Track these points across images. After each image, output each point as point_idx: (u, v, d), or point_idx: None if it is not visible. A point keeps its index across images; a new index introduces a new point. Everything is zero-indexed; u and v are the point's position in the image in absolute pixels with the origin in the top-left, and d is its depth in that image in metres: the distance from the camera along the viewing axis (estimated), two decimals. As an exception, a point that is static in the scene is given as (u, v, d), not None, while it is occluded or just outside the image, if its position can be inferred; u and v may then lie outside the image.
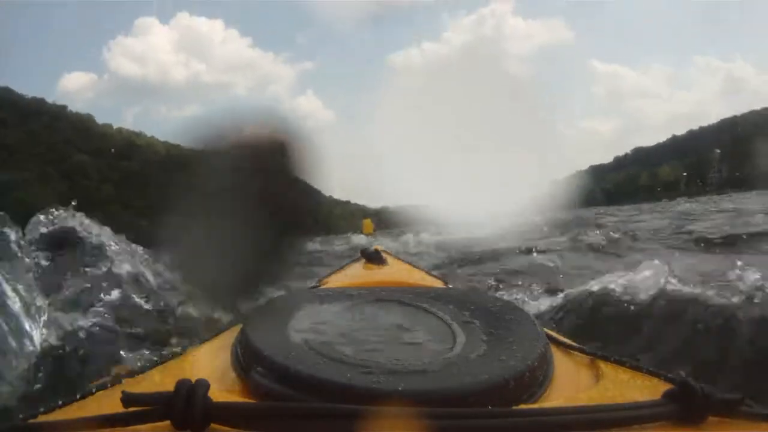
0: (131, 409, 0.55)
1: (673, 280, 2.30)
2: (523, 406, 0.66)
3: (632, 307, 2.27)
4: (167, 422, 0.54)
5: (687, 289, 2.18)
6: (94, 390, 0.73)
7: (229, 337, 0.92)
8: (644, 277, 2.39)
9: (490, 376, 0.68)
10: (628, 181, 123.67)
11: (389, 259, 2.16)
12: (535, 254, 5.51)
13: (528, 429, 0.56)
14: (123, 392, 0.56)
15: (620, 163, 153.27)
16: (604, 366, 0.83)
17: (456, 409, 0.57)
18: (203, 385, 0.56)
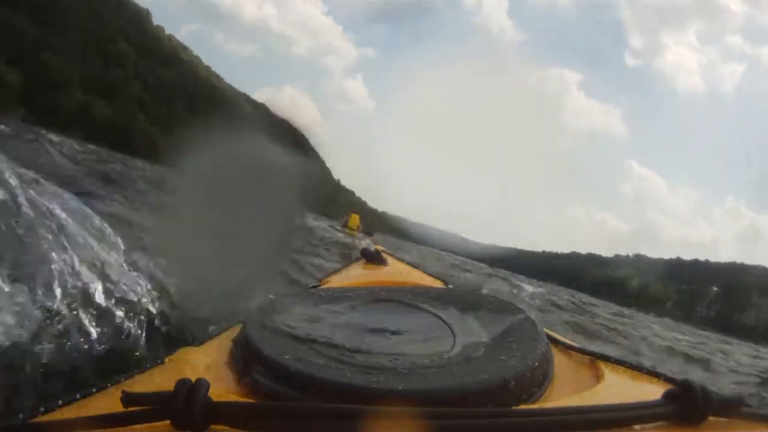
0: (131, 409, 0.55)
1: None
2: (523, 406, 0.66)
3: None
4: (167, 422, 0.54)
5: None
6: (94, 390, 0.73)
7: (229, 337, 0.92)
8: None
9: (490, 376, 0.68)
10: (622, 282, 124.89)
11: (389, 259, 2.16)
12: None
13: (528, 429, 0.56)
14: (123, 392, 0.56)
15: (619, 261, 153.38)
16: (604, 366, 0.83)
17: (456, 409, 0.57)
18: (203, 384, 0.56)
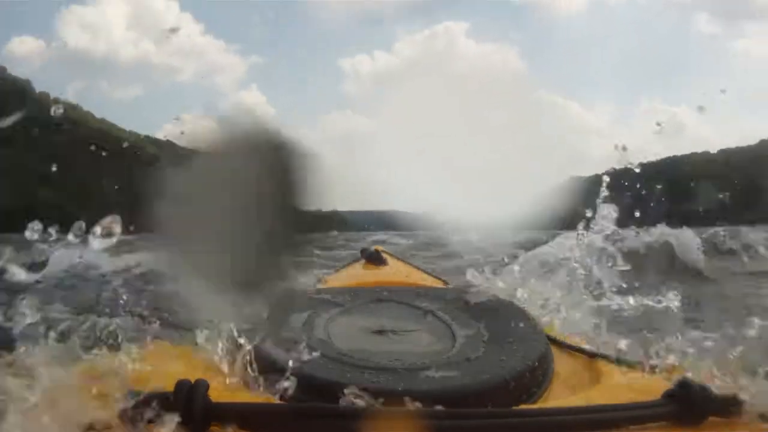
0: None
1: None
2: (523, 406, 0.66)
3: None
4: None
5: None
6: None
7: (229, 338, 0.92)
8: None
9: (490, 376, 0.68)
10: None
11: (389, 259, 2.16)
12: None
13: (528, 429, 0.55)
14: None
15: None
16: (604, 366, 0.83)
17: (456, 409, 0.57)
18: (203, 385, 0.56)
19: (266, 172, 0.80)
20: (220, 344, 0.94)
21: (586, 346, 0.94)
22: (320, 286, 1.70)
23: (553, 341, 0.93)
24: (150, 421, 0.55)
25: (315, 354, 0.76)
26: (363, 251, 2.21)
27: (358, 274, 1.94)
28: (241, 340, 0.83)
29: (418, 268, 2.13)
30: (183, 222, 0.77)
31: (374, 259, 2.08)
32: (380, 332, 0.89)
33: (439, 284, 1.75)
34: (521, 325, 0.88)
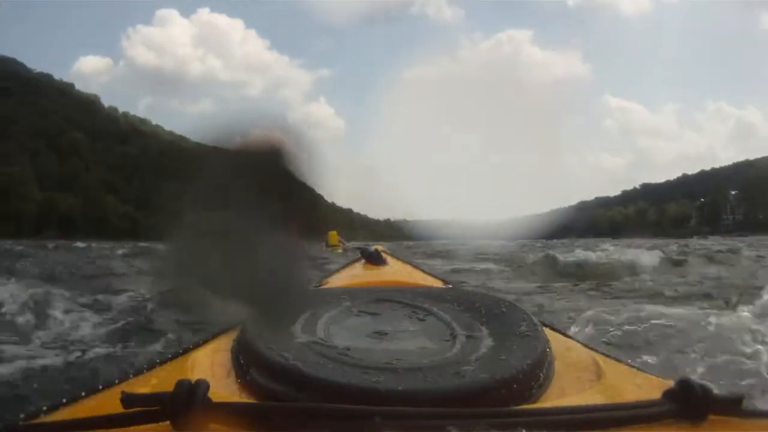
0: (131, 409, 0.55)
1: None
2: (523, 406, 0.66)
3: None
4: (167, 422, 0.54)
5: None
6: (94, 390, 0.73)
7: (228, 337, 0.92)
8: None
9: (491, 376, 0.68)
10: (636, 215, 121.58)
11: (389, 259, 2.16)
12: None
13: (528, 429, 0.55)
14: (123, 392, 0.56)
15: (627, 197, 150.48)
16: (604, 365, 0.83)
17: (456, 409, 0.57)
18: (203, 385, 0.56)
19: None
20: (220, 344, 0.94)
21: (587, 346, 0.94)
22: (320, 285, 1.71)
23: (554, 341, 0.93)
24: (150, 422, 0.55)
25: (315, 354, 0.76)
26: (363, 251, 2.21)
27: (358, 274, 1.95)
28: (241, 341, 0.83)
29: (418, 268, 2.14)
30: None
31: (374, 259, 2.08)
32: (380, 332, 0.89)
33: (439, 284, 1.75)
34: (522, 325, 0.89)
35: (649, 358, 1.91)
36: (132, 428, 0.55)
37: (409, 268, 2.12)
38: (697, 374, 1.66)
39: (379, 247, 2.43)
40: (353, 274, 1.96)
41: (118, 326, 3.01)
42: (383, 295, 1.12)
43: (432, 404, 0.60)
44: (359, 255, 2.25)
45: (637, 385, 0.77)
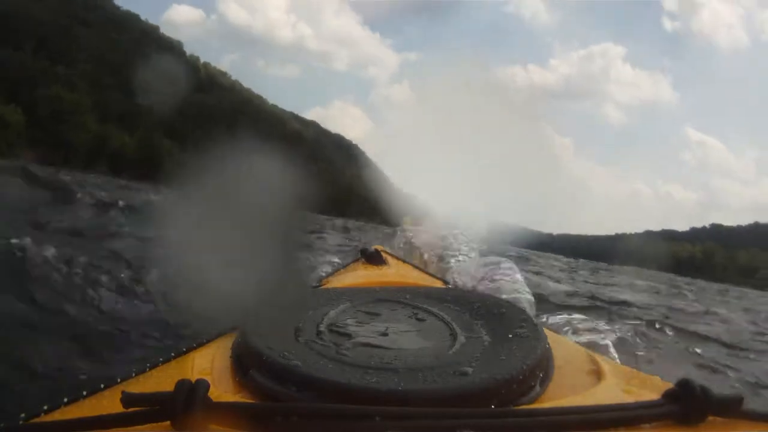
0: (131, 409, 0.55)
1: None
2: (523, 406, 0.66)
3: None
4: (167, 422, 0.54)
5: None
6: (94, 390, 0.73)
7: (229, 337, 0.92)
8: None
9: (490, 376, 0.68)
10: (703, 256, 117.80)
11: (389, 259, 2.16)
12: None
13: (528, 429, 0.56)
14: (123, 392, 0.56)
15: (696, 234, 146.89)
16: (604, 366, 0.83)
17: (456, 409, 0.57)
18: (203, 385, 0.56)
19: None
20: (220, 344, 0.94)
21: (586, 347, 0.94)
22: (320, 285, 1.71)
23: (554, 341, 0.93)
24: (150, 422, 0.55)
25: (315, 354, 0.76)
26: (363, 251, 2.21)
27: (358, 274, 1.95)
28: (241, 341, 0.83)
29: (418, 268, 2.14)
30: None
31: (374, 259, 2.08)
32: (380, 332, 0.89)
33: (439, 284, 1.75)
34: (521, 325, 0.89)
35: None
36: (132, 428, 0.55)
37: (409, 268, 2.11)
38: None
39: (380, 247, 2.43)
40: (353, 274, 1.96)
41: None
42: (383, 295, 1.12)
43: (432, 404, 0.60)
44: (359, 255, 2.25)
45: (637, 385, 0.77)
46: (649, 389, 0.73)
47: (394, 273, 1.89)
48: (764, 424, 0.62)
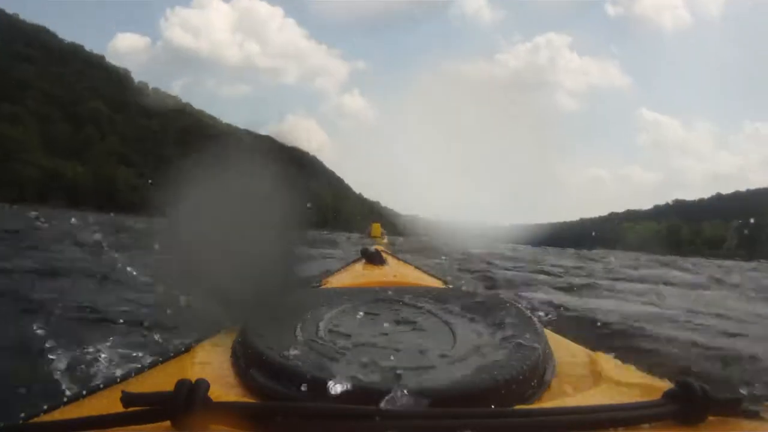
0: (131, 409, 0.55)
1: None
2: (523, 406, 0.66)
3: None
4: (167, 422, 0.54)
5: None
6: (94, 390, 0.73)
7: (229, 337, 0.92)
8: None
9: (490, 376, 0.68)
10: (668, 232, 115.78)
11: (389, 259, 2.17)
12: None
13: (528, 429, 0.55)
14: (123, 392, 0.56)
15: (659, 212, 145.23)
16: (604, 366, 0.83)
17: (456, 409, 0.57)
18: (203, 385, 0.56)
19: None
20: (220, 344, 0.94)
21: (587, 347, 0.94)
22: (321, 285, 1.71)
23: (554, 341, 0.93)
24: (150, 422, 0.55)
25: (315, 354, 0.76)
26: (363, 251, 2.22)
27: (358, 274, 1.95)
28: (241, 341, 0.83)
29: (418, 268, 2.14)
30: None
31: (374, 259, 2.09)
32: (380, 332, 0.89)
33: (438, 284, 1.75)
34: (522, 325, 0.89)
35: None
36: (132, 428, 0.55)
37: (409, 268, 2.12)
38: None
39: (380, 247, 2.44)
40: (353, 274, 1.96)
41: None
42: (383, 295, 1.12)
43: (432, 404, 0.60)
44: (360, 255, 2.25)
45: (637, 385, 0.77)
46: (649, 389, 0.73)
47: (394, 273, 1.89)
48: (764, 424, 0.62)
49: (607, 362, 0.85)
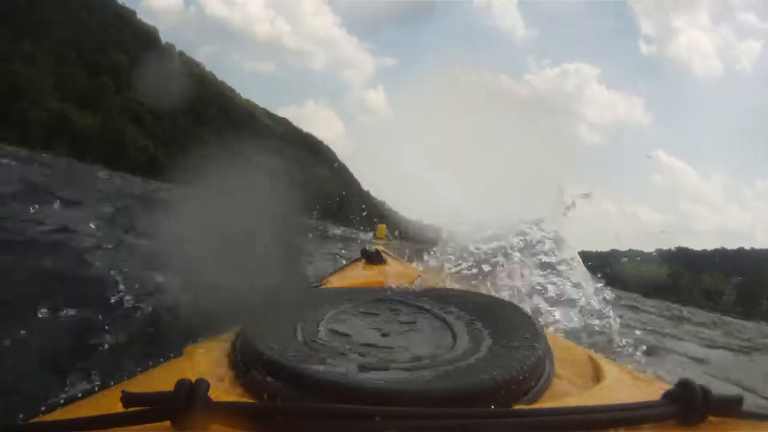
0: (131, 409, 0.55)
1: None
2: (523, 406, 0.66)
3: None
4: (167, 422, 0.54)
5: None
6: (94, 390, 0.73)
7: (229, 338, 0.92)
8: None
9: (491, 376, 0.68)
10: (668, 277, 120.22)
11: (389, 260, 2.16)
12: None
13: (528, 429, 0.55)
14: (123, 392, 0.55)
15: (662, 256, 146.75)
16: (604, 366, 0.83)
17: (456, 409, 0.57)
18: (203, 385, 0.56)
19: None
20: (220, 344, 0.94)
21: (586, 348, 0.94)
22: (321, 285, 1.71)
23: (554, 342, 0.93)
24: (150, 422, 0.55)
25: (315, 354, 0.76)
26: (363, 251, 2.22)
27: (358, 274, 1.95)
28: (241, 341, 0.83)
29: (418, 269, 2.14)
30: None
31: (374, 259, 2.09)
32: (379, 332, 0.89)
33: (439, 285, 1.74)
34: (522, 325, 0.88)
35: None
36: (132, 428, 0.55)
37: (409, 268, 2.12)
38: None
39: (380, 248, 2.43)
40: (353, 274, 1.96)
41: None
42: (383, 295, 1.12)
43: (432, 404, 0.60)
44: (360, 255, 2.25)
45: (637, 386, 0.77)
46: (649, 389, 0.73)
47: (394, 273, 1.89)
48: (764, 424, 0.62)
49: (607, 362, 0.85)
